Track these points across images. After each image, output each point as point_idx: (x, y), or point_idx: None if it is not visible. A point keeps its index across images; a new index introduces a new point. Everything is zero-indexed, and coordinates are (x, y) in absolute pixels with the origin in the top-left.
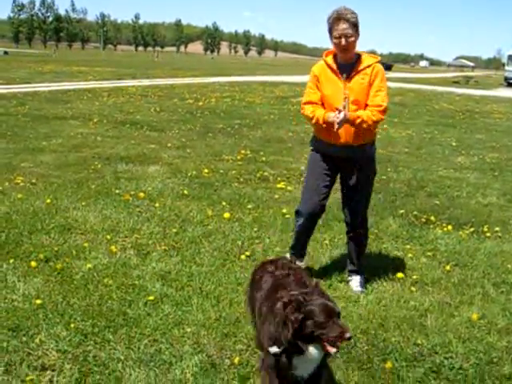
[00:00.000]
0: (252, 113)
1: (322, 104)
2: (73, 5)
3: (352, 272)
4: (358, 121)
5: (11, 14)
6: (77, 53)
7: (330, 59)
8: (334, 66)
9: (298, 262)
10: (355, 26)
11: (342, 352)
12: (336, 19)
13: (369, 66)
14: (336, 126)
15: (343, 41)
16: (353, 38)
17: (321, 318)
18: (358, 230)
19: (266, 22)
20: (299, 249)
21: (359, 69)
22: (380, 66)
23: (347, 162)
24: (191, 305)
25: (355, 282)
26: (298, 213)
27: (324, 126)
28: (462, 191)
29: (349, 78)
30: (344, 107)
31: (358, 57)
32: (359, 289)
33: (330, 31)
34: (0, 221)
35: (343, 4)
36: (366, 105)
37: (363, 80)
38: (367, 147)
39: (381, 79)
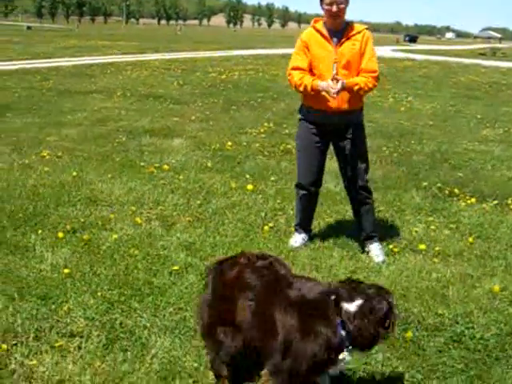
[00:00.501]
0: (275, 86)
1: (310, 71)
2: None
3: (367, 240)
4: (356, 88)
5: None
6: (99, 27)
7: (319, 25)
8: (325, 32)
9: (304, 236)
10: None
11: None
12: None
13: (359, 33)
14: (334, 95)
15: (334, 7)
16: (343, 5)
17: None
18: (362, 197)
19: None
20: (306, 223)
21: (350, 35)
22: (369, 33)
23: (339, 130)
24: None
25: (374, 251)
26: (299, 186)
27: (312, 93)
28: (486, 164)
29: (339, 43)
30: (336, 74)
31: (347, 24)
32: (381, 258)
33: None
34: (27, 193)
35: None
36: (359, 71)
37: (354, 46)
38: (357, 113)
39: (372, 45)
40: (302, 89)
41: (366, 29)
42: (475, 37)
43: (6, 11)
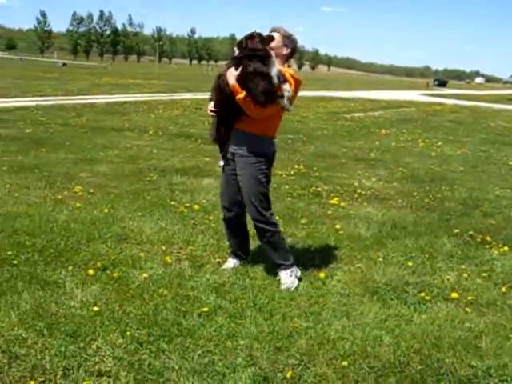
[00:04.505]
0: (305, 128)
1: None
2: (130, 19)
3: (275, 267)
4: None
5: (70, 27)
6: (132, 65)
7: None
8: None
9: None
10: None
11: (396, 371)
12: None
13: None
14: None
15: None
16: None
17: None
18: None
19: (319, 37)
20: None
21: None
22: None
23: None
24: (244, 317)
25: (282, 279)
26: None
27: None
28: None
29: None
30: None
31: None
32: (284, 286)
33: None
34: (59, 228)
35: (391, 20)
36: None
37: None
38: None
39: None
40: None
41: None
42: (505, 82)
43: (43, 48)
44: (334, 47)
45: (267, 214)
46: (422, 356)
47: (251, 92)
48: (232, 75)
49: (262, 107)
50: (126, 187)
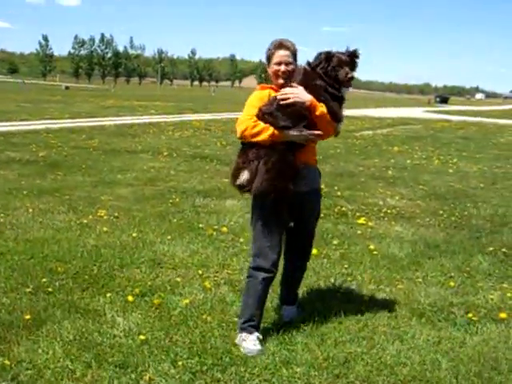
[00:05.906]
0: (317, 146)
1: None
2: (131, 41)
3: None
4: None
5: (72, 50)
6: (134, 87)
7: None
8: None
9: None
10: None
11: None
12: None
13: None
14: None
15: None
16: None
17: None
18: None
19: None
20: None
21: None
22: None
23: None
24: (295, 343)
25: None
26: None
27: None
28: None
29: None
30: None
31: None
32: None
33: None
34: (90, 254)
35: (389, 38)
36: None
37: None
38: None
39: None
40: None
41: None
42: (505, 97)
43: (45, 71)
44: None
45: None
46: (484, 380)
47: (328, 104)
48: (302, 92)
49: (337, 122)
50: (149, 210)
